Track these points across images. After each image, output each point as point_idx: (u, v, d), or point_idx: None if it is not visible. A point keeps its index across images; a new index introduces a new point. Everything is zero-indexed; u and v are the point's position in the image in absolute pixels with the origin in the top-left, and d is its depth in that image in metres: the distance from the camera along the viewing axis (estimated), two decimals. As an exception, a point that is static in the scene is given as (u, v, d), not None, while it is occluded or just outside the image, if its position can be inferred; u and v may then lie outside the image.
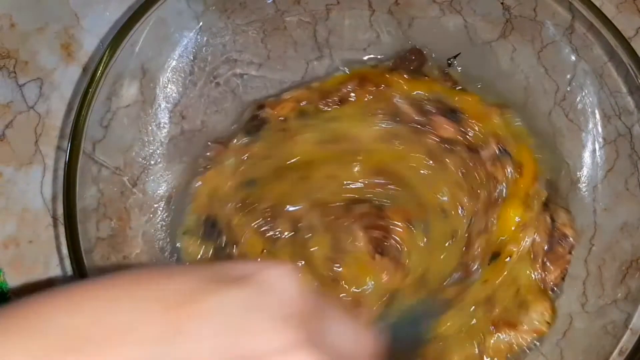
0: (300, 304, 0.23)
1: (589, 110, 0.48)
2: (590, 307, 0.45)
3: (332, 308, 0.26)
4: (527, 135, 0.48)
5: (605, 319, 0.44)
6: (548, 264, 0.46)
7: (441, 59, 0.50)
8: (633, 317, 0.43)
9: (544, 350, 0.45)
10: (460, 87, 0.49)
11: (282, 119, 0.48)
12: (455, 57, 0.49)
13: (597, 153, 0.47)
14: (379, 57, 0.50)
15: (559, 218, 0.47)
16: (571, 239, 0.46)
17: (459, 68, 0.50)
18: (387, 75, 0.48)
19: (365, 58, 0.50)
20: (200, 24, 0.48)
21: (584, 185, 0.48)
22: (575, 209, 0.48)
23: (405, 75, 0.48)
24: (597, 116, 0.47)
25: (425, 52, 0.49)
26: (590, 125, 0.48)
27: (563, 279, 0.46)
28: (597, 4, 0.45)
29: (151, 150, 0.48)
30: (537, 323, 0.45)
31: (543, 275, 0.46)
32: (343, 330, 0.25)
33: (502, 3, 0.48)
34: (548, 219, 0.46)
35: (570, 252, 0.46)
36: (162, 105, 0.48)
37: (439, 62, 0.50)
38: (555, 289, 0.46)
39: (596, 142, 0.48)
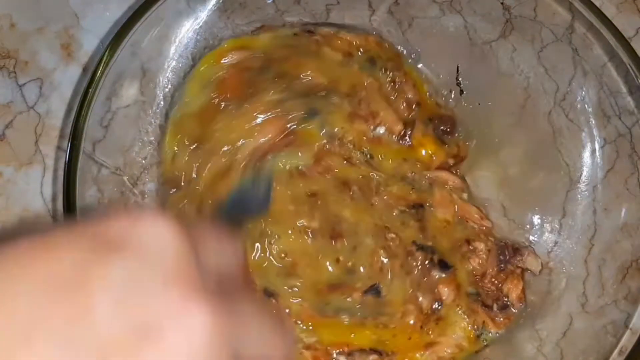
0: (180, 262, 0.23)
1: (589, 110, 0.48)
2: (590, 307, 0.45)
3: (209, 239, 0.26)
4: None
5: (605, 319, 0.44)
6: (504, 285, 0.46)
7: (449, 78, 0.50)
8: (633, 317, 0.43)
9: (544, 350, 0.45)
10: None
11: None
12: (457, 71, 0.49)
13: (597, 153, 0.47)
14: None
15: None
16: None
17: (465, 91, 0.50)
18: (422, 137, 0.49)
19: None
20: (200, 24, 0.48)
21: (584, 185, 0.48)
22: (575, 209, 0.48)
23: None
24: (597, 116, 0.47)
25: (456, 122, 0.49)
26: (590, 125, 0.48)
27: (524, 292, 0.46)
28: (597, 4, 0.45)
29: (151, 151, 0.48)
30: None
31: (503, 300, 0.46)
32: (220, 258, 0.26)
33: (502, 3, 0.48)
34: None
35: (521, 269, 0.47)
36: (162, 105, 0.48)
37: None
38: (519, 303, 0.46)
39: (596, 142, 0.48)
